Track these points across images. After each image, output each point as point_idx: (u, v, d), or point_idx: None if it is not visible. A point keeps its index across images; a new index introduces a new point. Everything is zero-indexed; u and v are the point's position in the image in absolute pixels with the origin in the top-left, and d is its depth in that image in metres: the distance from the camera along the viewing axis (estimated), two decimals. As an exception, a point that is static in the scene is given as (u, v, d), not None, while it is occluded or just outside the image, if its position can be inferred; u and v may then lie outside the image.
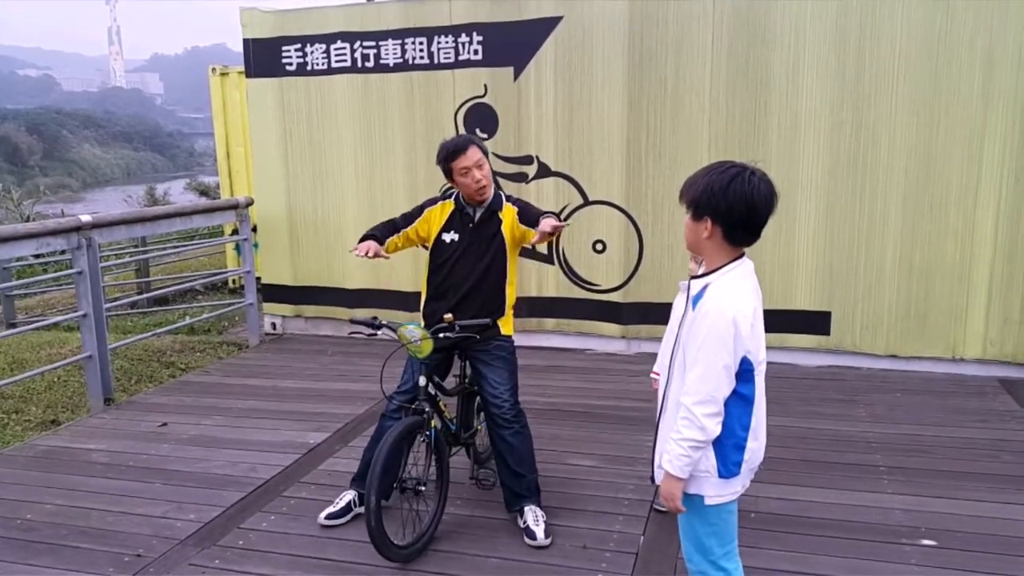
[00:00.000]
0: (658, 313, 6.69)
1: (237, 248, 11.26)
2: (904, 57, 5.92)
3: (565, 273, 7.04)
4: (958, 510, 3.99)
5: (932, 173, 6.03)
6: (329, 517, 4.00)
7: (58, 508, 4.30)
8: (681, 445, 2.40)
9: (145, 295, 10.20)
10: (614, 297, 6.95)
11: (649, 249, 6.75)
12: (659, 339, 6.60)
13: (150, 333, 7.37)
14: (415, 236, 4.07)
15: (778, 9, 6.08)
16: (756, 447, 2.52)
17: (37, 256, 11.44)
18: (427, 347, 3.68)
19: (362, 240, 3.94)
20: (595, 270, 6.97)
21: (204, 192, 28.88)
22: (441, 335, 3.70)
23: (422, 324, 3.86)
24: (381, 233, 4.01)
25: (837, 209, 6.26)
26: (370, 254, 3.83)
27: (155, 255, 11.48)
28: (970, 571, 3.44)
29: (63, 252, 11.97)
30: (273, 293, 8.09)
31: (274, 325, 8.20)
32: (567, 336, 7.24)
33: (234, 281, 11.38)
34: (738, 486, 2.53)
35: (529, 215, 3.91)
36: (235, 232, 10.74)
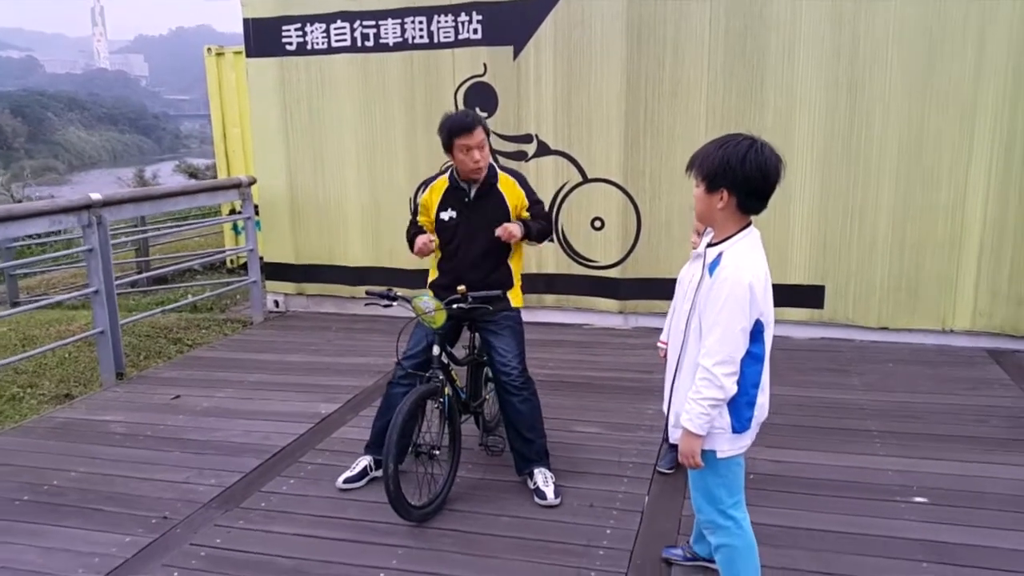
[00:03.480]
0: (655, 288, 6.85)
1: (235, 228, 11.38)
2: (898, 36, 6.05)
3: (564, 250, 7.19)
4: (948, 470, 4.18)
5: (924, 150, 6.18)
6: (347, 481, 4.16)
7: (82, 475, 4.44)
8: (702, 404, 2.56)
9: (145, 274, 10.30)
10: (612, 273, 7.11)
11: (647, 226, 6.90)
12: (656, 314, 6.78)
13: (158, 310, 7.47)
14: (429, 228, 4.20)
15: (774, -11, 6.22)
16: (764, 402, 2.69)
17: (31, 236, 11.53)
18: (440, 318, 3.82)
19: (413, 237, 4.12)
20: (593, 247, 7.12)
21: (193, 174, 28.80)
22: (455, 306, 3.84)
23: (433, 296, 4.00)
24: (417, 229, 4.19)
25: (831, 185, 6.41)
26: (431, 246, 4.02)
27: (152, 235, 11.56)
28: (960, 524, 3.63)
29: (60, 232, 12.12)
30: (275, 271, 8.20)
31: (276, 303, 8.31)
32: (566, 311, 7.39)
33: (232, 261, 11.48)
34: (747, 440, 2.70)
35: (533, 212, 4.13)
36: (232, 212, 10.87)
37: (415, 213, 4.22)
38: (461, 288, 3.87)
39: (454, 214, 4.07)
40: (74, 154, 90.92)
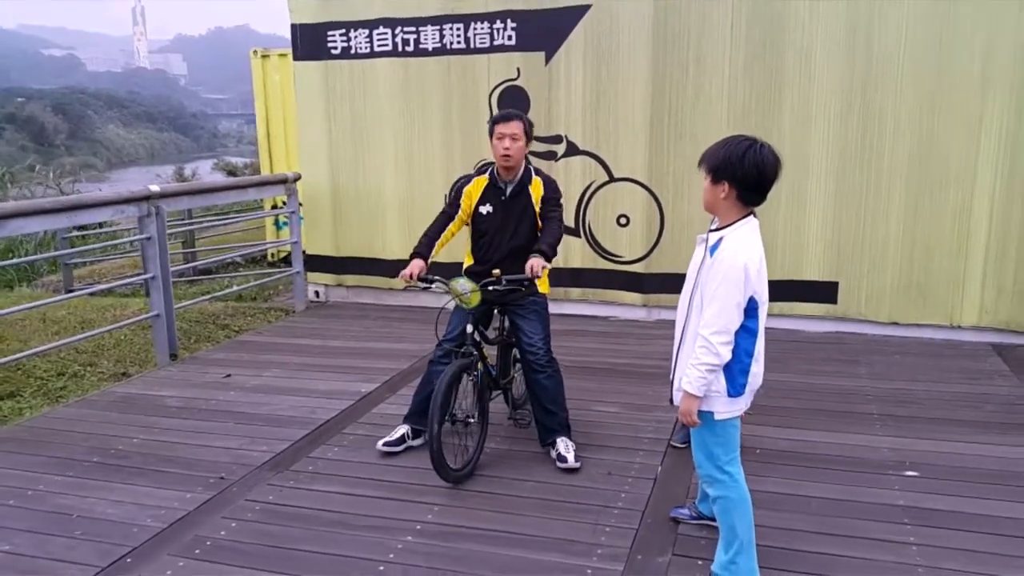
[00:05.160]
0: (677, 283, 7.02)
1: (276, 223, 11.87)
2: (909, 46, 6.37)
3: (591, 245, 7.56)
4: (940, 448, 4.52)
5: (933, 155, 6.48)
6: (386, 444, 4.57)
7: (143, 441, 4.89)
8: (700, 369, 2.94)
9: (192, 265, 10.81)
10: (636, 268, 7.47)
11: (670, 223, 7.25)
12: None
13: (207, 297, 7.96)
14: (464, 216, 4.57)
15: (792, 1, 6.53)
16: (757, 371, 3.05)
17: (80, 228, 12.12)
18: (475, 299, 4.23)
19: (411, 257, 4.40)
20: (619, 243, 7.49)
21: (231, 172, 29.50)
22: (491, 288, 4.24)
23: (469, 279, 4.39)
24: (428, 243, 4.48)
25: (845, 188, 6.72)
26: (411, 277, 4.28)
27: (198, 228, 12.07)
28: (945, 494, 3.97)
29: (101, 225, 12.72)
30: (316, 263, 8.64)
31: (317, 293, 8.76)
32: (592, 304, 7.76)
33: (273, 254, 11.97)
34: (742, 404, 3.08)
35: (544, 210, 4.46)
36: (274, 207, 11.36)
37: (454, 200, 4.58)
38: (496, 272, 4.27)
39: (491, 208, 4.48)
40: (112, 151, 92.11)
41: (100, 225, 13.11)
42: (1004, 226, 6.41)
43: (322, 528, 3.80)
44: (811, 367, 6.02)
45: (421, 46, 7.72)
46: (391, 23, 7.78)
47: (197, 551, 3.62)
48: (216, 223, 13.19)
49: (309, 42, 8.18)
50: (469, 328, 4.33)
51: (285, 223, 12.00)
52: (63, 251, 9.98)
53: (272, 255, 12.02)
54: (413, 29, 7.72)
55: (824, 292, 6.95)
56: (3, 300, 8.51)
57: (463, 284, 4.23)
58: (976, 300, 6.59)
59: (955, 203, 6.49)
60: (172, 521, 3.90)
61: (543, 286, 4.58)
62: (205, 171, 35.94)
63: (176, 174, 33.56)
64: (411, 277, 4.28)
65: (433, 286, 4.36)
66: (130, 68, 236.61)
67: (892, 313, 6.82)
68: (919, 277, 6.70)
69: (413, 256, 4.40)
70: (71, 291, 9.67)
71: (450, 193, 4.69)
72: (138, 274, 9.70)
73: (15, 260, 10.26)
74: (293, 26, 8.22)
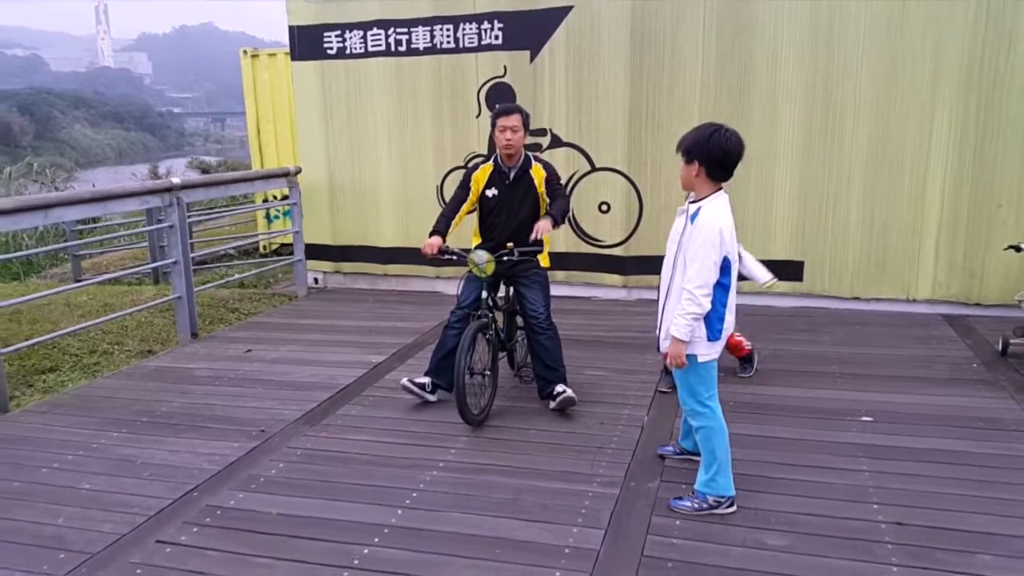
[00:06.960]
0: (655, 265, 7.65)
1: (267, 216, 12.35)
2: (867, 46, 7.02)
3: (574, 231, 8.16)
4: (893, 399, 5.18)
5: (890, 144, 7.15)
6: (410, 381, 5.18)
7: (184, 404, 5.43)
8: (686, 318, 3.56)
9: (192, 255, 11.27)
10: (617, 251, 8.08)
11: (648, 209, 7.87)
12: (657, 287, 7.78)
13: (217, 283, 8.48)
14: (474, 197, 5.16)
15: (760, 3, 7.18)
16: (730, 320, 3.68)
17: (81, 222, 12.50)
18: (490, 268, 4.85)
19: (431, 235, 4.98)
20: (600, 228, 8.10)
21: (205, 171, 29.89)
22: (506, 258, 4.86)
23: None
24: (446, 222, 5.06)
25: (810, 174, 7.38)
26: (433, 251, 4.89)
27: (194, 220, 12.49)
28: (895, 435, 4.62)
29: (96, 220, 13.14)
30: (315, 252, 9.16)
31: (316, 280, 9.28)
32: (575, 286, 8.36)
33: (265, 246, 12.44)
34: (718, 348, 3.70)
35: (549, 190, 5.09)
36: (265, 200, 11.85)
37: (464, 184, 5.16)
38: (510, 244, 4.86)
39: (496, 191, 5.08)
40: (80, 151, 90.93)
41: (95, 220, 13.56)
42: (954, 208, 7.08)
43: (359, 466, 4.38)
44: (779, 336, 6.65)
45: (413, 46, 8.27)
46: (384, 24, 8.33)
47: (253, 485, 4.18)
48: (204, 217, 13.59)
49: (306, 43, 8.70)
50: (484, 294, 4.94)
51: (276, 216, 12.51)
52: (72, 242, 10.41)
53: (264, 247, 12.47)
54: (405, 30, 8.27)
55: (791, 270, 7.59)
56: (24, 289, 8.96)
57: (480, 255, 4.83)
58: (929, 275, 7.27)
59: (910, 187, 7.16)
60: (226, 464, 4.46)
61: (544, 260, 5.19)
62: (180, 169, 36.11)
63: (151, 173, 33.73)
64: (434, 251, 4.86)
65: (456, 258, 4.96)
66: (95, 68, 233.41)
67: (853, 288, 7.49)
68: (878, 255, 7.37)
69: (432, 234, 4.99)
70: (79, 280, 10.11)
71: (442, 184, 5.25)
72: (143, 264, 10.21)
73: (29, 251, 10.70)
74: (291, 28, 8.74)
